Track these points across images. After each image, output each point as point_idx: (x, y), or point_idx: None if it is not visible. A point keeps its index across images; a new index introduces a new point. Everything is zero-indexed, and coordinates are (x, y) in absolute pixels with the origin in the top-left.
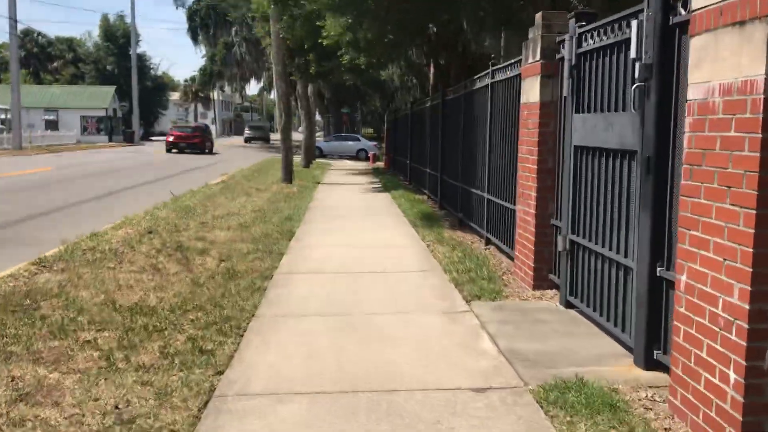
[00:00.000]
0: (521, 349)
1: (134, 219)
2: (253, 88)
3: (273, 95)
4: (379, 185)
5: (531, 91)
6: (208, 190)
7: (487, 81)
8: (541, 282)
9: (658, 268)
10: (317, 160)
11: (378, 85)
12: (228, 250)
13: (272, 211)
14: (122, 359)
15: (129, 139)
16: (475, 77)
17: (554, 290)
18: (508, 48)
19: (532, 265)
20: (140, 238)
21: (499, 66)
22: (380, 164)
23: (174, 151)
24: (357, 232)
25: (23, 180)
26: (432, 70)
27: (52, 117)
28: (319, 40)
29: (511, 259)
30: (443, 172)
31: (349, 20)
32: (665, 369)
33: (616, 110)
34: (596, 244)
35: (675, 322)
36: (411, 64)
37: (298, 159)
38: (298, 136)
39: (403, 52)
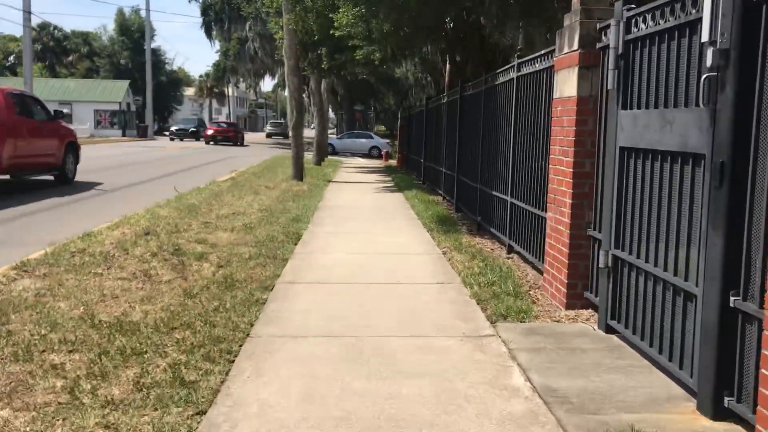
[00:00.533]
0: (560, 388)
1: (133, 218)
2: (267, 84)
3: (287, 92)
4: (392, 184)
5: (566, 85)
6: (215, 187)
7: (512, 75)
8: (575, 300)
9: (732, 298)
10: (329, 157)
11: (392, 82)
12: (228, 255)
13: (279, 211)
14: (89, 391)
15: (142, 134)
16: (498, 71)
17: (590, 310)
18: (528, 42)
19: (565, 281)
20: (136, 240)
21: (526, 58)
22: (393, 162)
23: (211, 143)
24: (368, 236)
25: None
26: (447, 67)
27: (66, 110)
28: (331, 32)
29: (539, 272)
30: (460, 172)
31: (363, 10)
32: (739, 419)
33: (676, 106)
34: (646, 262)
35: (763, 370)
36: (425, 60)
37: (309, 156)
38: (311, 133)
39: (419, 46)
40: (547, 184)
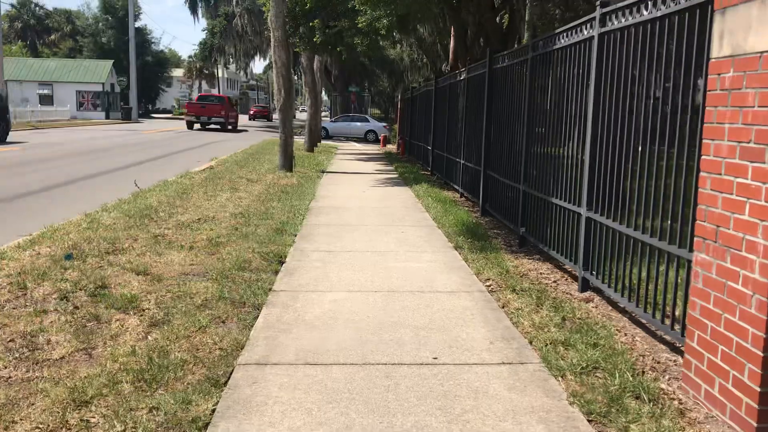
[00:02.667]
0: None
1: (62, 229)
2: (258, 66)
3: (273, 69)
4: (396, 175)
5: (752, 33)
6: (187, 180)
7: (591, 32)
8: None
9: None
10: (322, 142)
11: (386, 63)
12: (173, 298)
13: (260, 216)
14: None
15: (126, 116)
16: (560, 30)
17: None
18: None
19: (757, 388)
20: (48, 269)
21: (624, 3)
22: (392, 148)
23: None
24: (376, 257)
25: None
26: (452, 43)
27: (46, 91)
28: None
29: (645, 329)
30: (489, 166)
31: None
32: None
33: None
34: None
35: None
36: (422, 41)
37: (301, 141)
38: (303, 116)
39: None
40: (687, 202)
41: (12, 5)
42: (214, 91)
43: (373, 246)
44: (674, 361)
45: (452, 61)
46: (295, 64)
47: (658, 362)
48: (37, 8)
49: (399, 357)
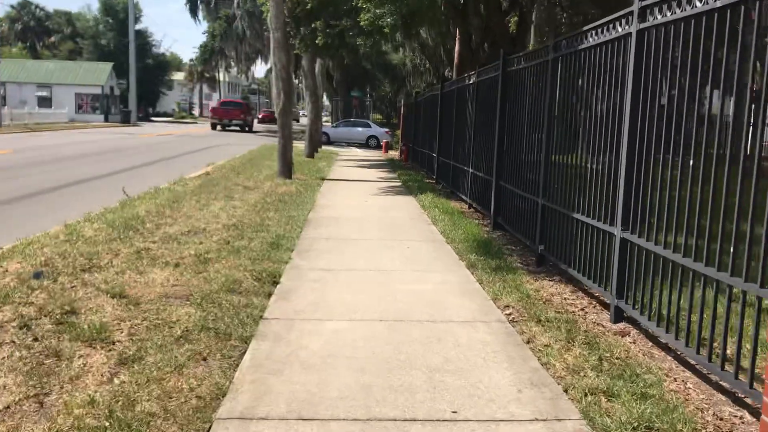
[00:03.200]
0: None
1: (36, 242)
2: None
3: (272, 71)
4: (399, 183)
5: None
6: (180, 187)
7: (628, 28)
8: None
9: None
10: (323, 147)
11: (388, 68)
12: (150, 328)
13: (254, 228)
14: None
15: (125, 119)
16: (588, 27)
17: None
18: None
19: None
20: (13, 290)
21: None
22: (394, 154)
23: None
24: (380, 277)
25: None
26: (457, 46)
27: (45, 93)
28: None
29: (694, 371)
30: (502, 176)
31: None
32: None
33: None
34: None
35: None
36: (425, 46)
37: (301, 146)
38: (304, 120)
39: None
40: (758, 221)
41: (12, 6)
42: (215, 95)
43: (377, 263)
44: (740, 417)
45: (457, 66)
46: (297, 67)
47: (721, 419)
48: (37, 9)
49: (411, 410)
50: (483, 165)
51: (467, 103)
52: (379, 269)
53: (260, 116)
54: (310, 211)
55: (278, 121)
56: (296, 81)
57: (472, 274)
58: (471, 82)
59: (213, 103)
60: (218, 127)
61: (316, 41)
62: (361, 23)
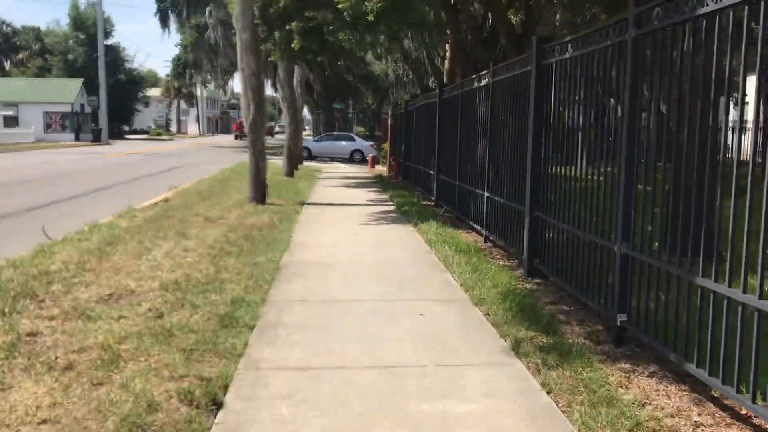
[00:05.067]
0: None
1: None
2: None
3: (239, 79)
4: (393, 208)
5: None
6: (123, 222)
7: None
8: None
9: None
10: (305, 163)
11: (371, 80)
12: None
13: (203, 288)
14: None
15: (96, 138)
16: None
17: None
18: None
19: None
20: None
21: None
22: (382, 170)
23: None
24: (387, 386)
25: None
26: (450, 50)
27: (11, 113)
28: None
29: None
30: (541, 206)
31: None
32: None
33: None
34: None
35: None
36: (408, 56)
37: (279, 163)
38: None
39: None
40: None
41: None
42: (193, 111)
43: (379, 353)
44: None
45: (449, 71)
46: (273, 77)
47: None
48: (4, 25)
49: None
50: (506, 188)
51: (478, 109)
52: (383, 365)
53: (234, 128)
54: (283, 253)
55: (249, 136)
56: (275, 93)
57: (527, 366)
58: (483, 83)
59: (191, 119)
60: (240, 139)
61: (292, 45)
62: (340, 6)
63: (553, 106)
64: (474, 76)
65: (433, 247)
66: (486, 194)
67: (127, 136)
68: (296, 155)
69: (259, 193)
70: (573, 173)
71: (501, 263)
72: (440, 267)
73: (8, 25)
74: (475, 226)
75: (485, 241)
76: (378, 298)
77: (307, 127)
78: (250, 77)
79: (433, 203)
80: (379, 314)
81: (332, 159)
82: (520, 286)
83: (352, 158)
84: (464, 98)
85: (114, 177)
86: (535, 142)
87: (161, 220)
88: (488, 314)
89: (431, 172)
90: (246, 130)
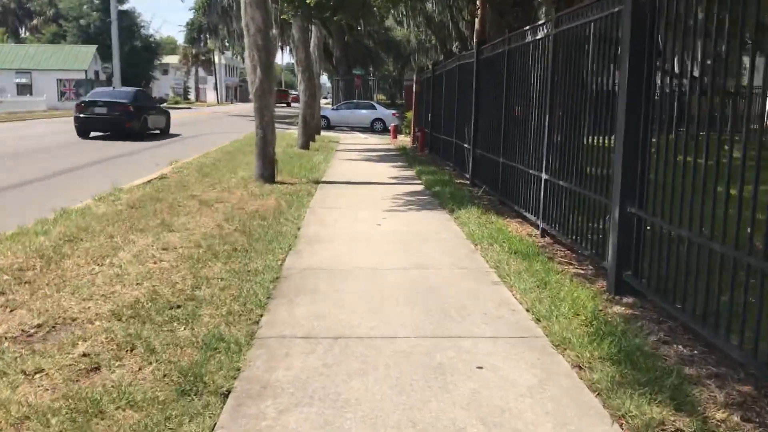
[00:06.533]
0: None
1: None
2: None
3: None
4: (422, 188)
5: None
6: (102, 206)
7: None
8: None
9: None
10: (323, 133)
11: (392, 46)
12: None
13: (170, 316)
14: None
15: None
16: None
17: None
18: None
19: None
20: None
21: None
22: (405, 141)
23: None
24: None
25: None
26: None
27: (24, 80)
28: None
29: None
30: (641, 202)
31: None
32: None
33: None
34: None
35: None
36: (430, 20)
37: (295, 133)
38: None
39: None
40: None
41: None
42: (212, 78)
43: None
44: None
45: (479, 32)
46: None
47: None
48: None
49: None
50: (576, 171)
51: (532, 69)
52: None
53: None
54: (287, 254)
55: (255, 104)
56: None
57: None
58: (540, 36)
59: (209, 87)
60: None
61: (308, 1)
62: None
63: (658, 60)
64: (527, 27)
65: (478, 245)
66: (544, 176)
67: None
68: (312, 125)
69: (267, 170)
70: (691, 154)
71: (571, 269)
72: (492, 277)
73: None
74: (527, 215)
75: (542, 236)
76: (414, 332)
77: (327, 95)
78: (255, 35)
79: (468, 182)
80: (417, 367)
81: (352, 129)
82: (609, 310)
83: (372, 128)
84: (512, 56)
85: (116, 149)
86: (630, 111)
87: (148, 204)
88: (579, 367)
89: (465, 145)
90: (251, 96)
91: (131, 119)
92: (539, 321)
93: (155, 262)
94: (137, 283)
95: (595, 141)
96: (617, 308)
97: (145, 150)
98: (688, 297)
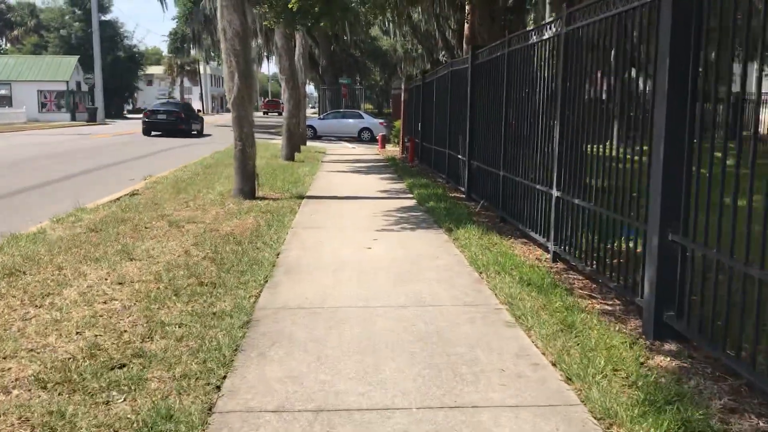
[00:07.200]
0: None
1: None
2: None
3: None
4: (414, 203)
5: None
6: (59, 229)
7: None
8: None
9: None
10: (308, 144)
11: (378, 55)
12: None
13: (108, 382)
14: None
15: (93, 118)
16: None
17: None
18: None
19: None
20: None
21: None
22: (393, 150)
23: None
24: None
25: None
26: (470, 15)
27: (3, 91)
28: None
29: None
30: (677, 226)
31: None
32: None
33: None
34: None
35: None
36: (416, 29)
37: (279, 144)
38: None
39: None
40: None
41: None
42: (196, 89)
43: None
44: None
45: (468, 38)
46: (269, 48)
47: None
48: None
49: None
50: (598, 190)
51: (537, 73)
52: None
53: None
54: (263, 288)
55: (233, 113)
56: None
57: None
58: (546, 36)
59: (195, 97)
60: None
61: (289, 6)
62: None
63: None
64: (531, 28)
65: (483, 274)
66: (555, 193)
67: (129, 116)
68: (297, 135)
69: (247, 185)
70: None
71: (595, 305)
72: (505, 316)
73: (2, 1)
74: (534, 236)
75: (553, 260)
76: (417, 401)
77: (314, 106)
78: (232, 39)
79: (463, 196)
80: None
81: (339, 138)
82: (651, 362)
83: (360, 137)
84: (512, 59)
85: (93, 161)
86: (671, 119)
87: (111, 226)
88: None
89: (460, 156)
90: (229, 105)
91: (182, 123)
92: (571, 381)
93: (105, 302)
94: (77, 332)
95: (621, 153)
96: (660, 359)
97: (121, 163)
98: (748, 346)
